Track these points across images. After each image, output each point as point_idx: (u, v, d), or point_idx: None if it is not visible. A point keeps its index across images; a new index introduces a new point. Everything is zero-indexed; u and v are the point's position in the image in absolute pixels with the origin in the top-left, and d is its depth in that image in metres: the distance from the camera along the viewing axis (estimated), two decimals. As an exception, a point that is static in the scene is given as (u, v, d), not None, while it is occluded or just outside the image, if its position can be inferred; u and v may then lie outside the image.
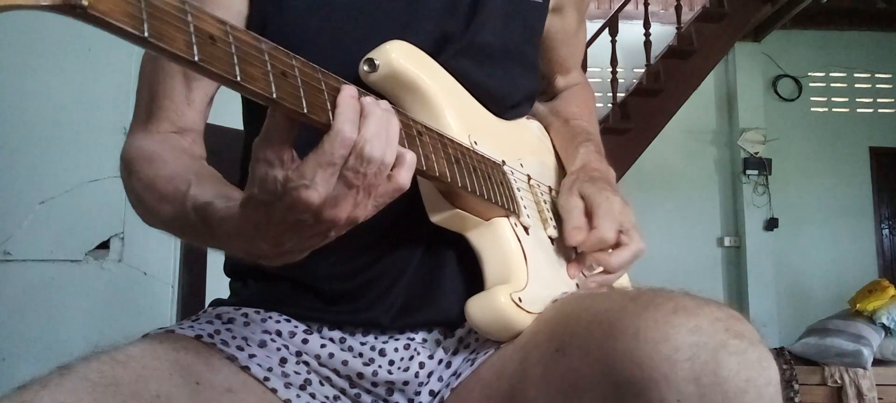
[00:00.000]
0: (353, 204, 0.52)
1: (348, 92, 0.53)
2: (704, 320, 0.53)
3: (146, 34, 0.40)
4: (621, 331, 0.55)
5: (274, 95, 0.48)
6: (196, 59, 0.42)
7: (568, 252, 0.80)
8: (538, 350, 0.64)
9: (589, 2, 1.05)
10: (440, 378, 0.75)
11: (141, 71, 0.78)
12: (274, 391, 0.68)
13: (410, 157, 0.55)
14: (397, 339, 0.74)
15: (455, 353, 0.76)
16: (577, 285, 0.79)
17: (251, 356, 0.69)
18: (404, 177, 0.54)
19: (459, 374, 0.73)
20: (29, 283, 2.46)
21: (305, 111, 0.49)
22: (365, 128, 0.51)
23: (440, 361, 0.75)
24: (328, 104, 0.51)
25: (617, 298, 0.60)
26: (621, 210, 0.77)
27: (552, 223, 0.80)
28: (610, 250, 0.76)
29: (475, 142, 0.73)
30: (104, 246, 2.52)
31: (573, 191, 0.79)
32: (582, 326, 0.60)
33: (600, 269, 0.80)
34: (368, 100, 0.54)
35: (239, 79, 0.45)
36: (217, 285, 0.90)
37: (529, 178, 0.82)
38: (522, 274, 0.71)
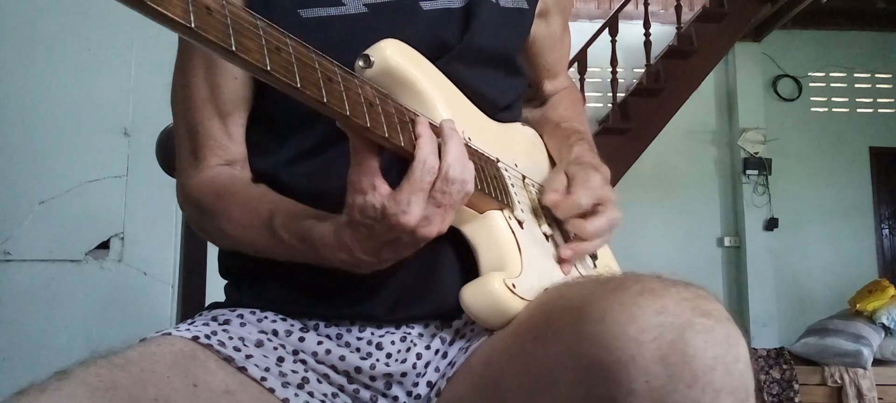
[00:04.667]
0: (441, 219, 0.62)
1: (425, 124, 0.61)
2: (670, 300, 0.53)
3: None
4: (589, 315, 0.55)
5: (268, 67, 0.49)
6: (192, 25, 0.43)
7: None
8: (520, 339, 0.65)
9: (572, 7, 1.08)
10: (437, 369, 0.75)
11: (174, 111, 0.83)
12: (271, 390, 0.68)
13: (470, 166, 0.63)
14: (394, 332, 0.75)
15: (451, 344, 0.76)
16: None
17: (248, 356, 0.70)
18: (471, 184, 0.63)
19: (455, 364, 0.73)
20: (29, 283, 2.46)
21: (299, 85, 0.51)
22: (447, 154, 0.61)
23: (437, 352, 0.76)
24: (321, 81, 0.53)
25: (589, 284, 0.60)
26: (600, 186, 0.79)
27: (546, 220, 0.80)
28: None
29: (469, 138, 0.74)
30: (104, 246, 2.52)
31: (560, 169, 0.83)
32: (556, 313, 0.61)
33: (592, 268, 0.82)
34: (444, 125, 0.63)
35: (234, 48, 0.46)
36: (217, 285, 0.90)
37: (524, 178, 0.83)
38: (516, 263, 0.71)
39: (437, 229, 0.62)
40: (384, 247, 0.62)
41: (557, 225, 0.83)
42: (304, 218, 0.67)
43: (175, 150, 0.84)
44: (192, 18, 0.43)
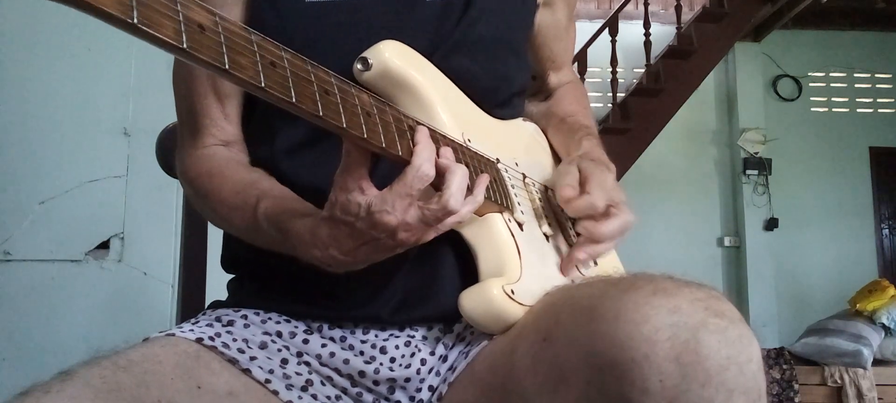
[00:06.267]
0: (423, 232, 0.62)
1: (424, 132, 0.62)
2: (683, 300, 0.53)
3: (135, 21, 0.40)
4: (602, 315, 0.55)
5: (263, 84, 0.48)
6: (184, 46, 0.43)
7: (563, 248, 0.81)
8: (526, 341, 0.64)
9: (577, -1, 1.07)
10: (438, 373, 0.75)
11: (175, 90, 0.83)
12: (275, 393, 0.68)
13: (476, 201, 0.65)
14: (398, 336, 0.75)
15: (451, 348, 0.76)
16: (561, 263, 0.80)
17: (252, 358, 0.69)
18: (466, 213, 0.64)
19: (455, 368, 0.73)
20: (29, 283, 2.45)
21: (294, 100, 0.51)
22: (452, 182, 0.61)
23: (439, 357, 0.76)
24: (317, 95, 0.53)
25: (599, 285, 0.60)
26: (614, 186, 0.78)
27: (547, 220, 0.80)
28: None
29: (468, 140, 0.73)
30: (104, 246, 2.52)
31: (571, 163, 0.81)
32: (566, 314, 0.61)
33: (593, 267, 0.81)
34: (449, 152, 0.63)
35: (227, 67, 0.46)
36: (217, 285, 0.90)
37: (524, 177, 0.82)
38: (516, 268, 0.71)
39: (416, 239, 0.63)
40: (361, 248, 0.62)
41: (559, 224, 0.82)
42: (287, 210, 0.67)
43: (177, 130, 0.85)
44: (184, 39, 0.42)
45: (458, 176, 0.61)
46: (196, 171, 0.78)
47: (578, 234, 0.78)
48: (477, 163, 0.71)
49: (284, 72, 0.50)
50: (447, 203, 0.60)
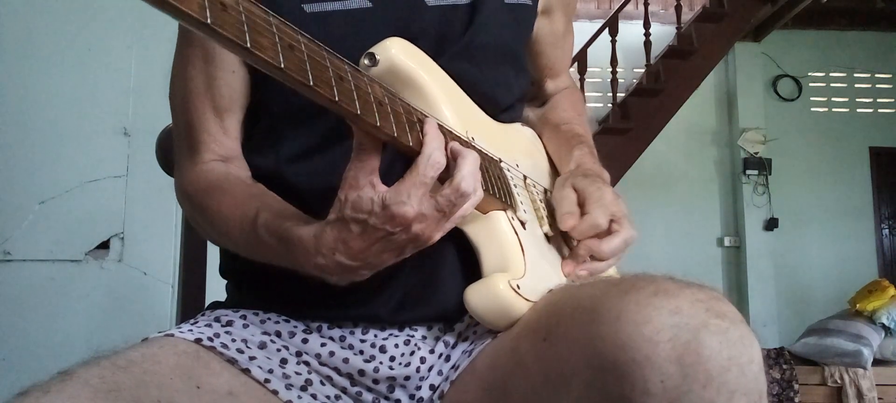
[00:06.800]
0: (436, 224, 0.61)
1: (433, 122, 0.62)
2: (685, 301, 0.53)
3: None
4: (603, 316, 0.55)
5: (282, 65, 0.48)
6: (208, 21, 0.43)
7: (563, 249, 0.81)
8: (528, 340, 0.65)
9: (576, 5, 1.06)
10: (440, 372, 0.75)
11: (172, 107, 0.82)
12: (275, 392, 0.68)
13: (480, 191, 0.64)
14: (397, 335, 0.75)
15: (454, 347, 0.76)
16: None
17: (251, 358, 0.70)
18: (470, 206, 0.63)
19: (458, 367, 0.73)
20: (29, 283, 2.45)
21: (311, 83, 0.51)
22: (463, 165, 0.60)
23: (440, 355, 0.76)
24: (332, 80, 0.53)
25: (600, 285, 0.61)
26: (613, 201, 0.78)
27: (548, 221, 0.80)
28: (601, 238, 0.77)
29: (472, 138, 0.74)
30: (104, 246, 2.52)
31: (566, 184, 0.81)
32: (567, 314, 0.61)
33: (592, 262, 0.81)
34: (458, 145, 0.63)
35: (249, 45, 0.46)
36: (217, 285, 0.90)
37: (525, 178, 0.82)
38: (520, 264, 0.71)
39: (431, 233, 0.61)
40: (372, 247, 0.60)
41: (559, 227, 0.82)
42: (287, 219, 0.65)
43: (173, 145, 0.84)
44: (208, 15, 0.43)
45: (469, 159, 0.61)
46: (194, 187, 0.77)
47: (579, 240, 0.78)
48: (481, 161, 0.71)
49: (302, 55, 0.51)
50: (459, 185, 0.60)
